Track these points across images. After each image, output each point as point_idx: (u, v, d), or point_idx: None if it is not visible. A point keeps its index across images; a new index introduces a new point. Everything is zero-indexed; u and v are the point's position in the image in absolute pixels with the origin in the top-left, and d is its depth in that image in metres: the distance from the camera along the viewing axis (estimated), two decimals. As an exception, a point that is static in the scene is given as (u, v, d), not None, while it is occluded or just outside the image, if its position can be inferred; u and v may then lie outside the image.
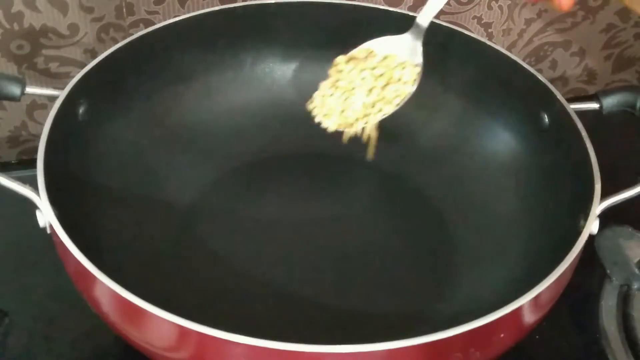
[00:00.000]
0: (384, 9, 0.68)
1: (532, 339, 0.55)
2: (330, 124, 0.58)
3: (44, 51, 0.69)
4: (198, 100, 0.68)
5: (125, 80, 0.63)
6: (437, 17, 0.74)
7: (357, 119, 0.58)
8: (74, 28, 0.68)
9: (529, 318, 0.48)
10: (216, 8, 0.67)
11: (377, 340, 0.45)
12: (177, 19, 0.65)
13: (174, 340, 0.45)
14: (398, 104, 0.58)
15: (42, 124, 0.54)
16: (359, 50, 0.59)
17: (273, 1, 0.67)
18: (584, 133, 0.56)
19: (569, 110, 0.58)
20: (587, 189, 0.52)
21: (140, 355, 0.49)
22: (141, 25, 0.70)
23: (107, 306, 0.48)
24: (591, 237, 0.51)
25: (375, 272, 0.60)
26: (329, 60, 0.70)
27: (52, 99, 0.56)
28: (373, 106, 0.58)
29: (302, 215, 0.64)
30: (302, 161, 0.68)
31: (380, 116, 0.58)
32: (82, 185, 0.57)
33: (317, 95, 0.59)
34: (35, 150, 0.52)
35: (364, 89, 0.58)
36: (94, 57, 0.62)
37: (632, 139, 0.77)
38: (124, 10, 0.68)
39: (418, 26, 0.58)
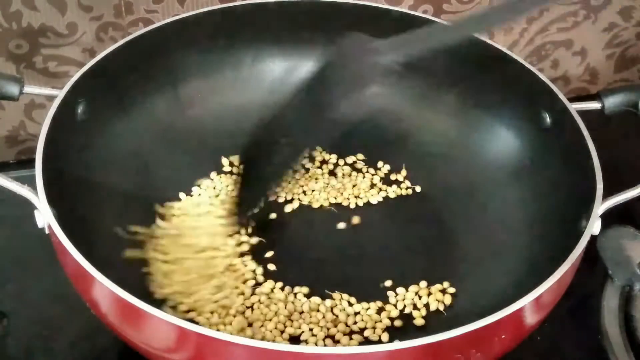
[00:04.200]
0: (384, 8, 0.68)
1: (533, 339, 0.54)
2: None
3: (42, 50, 0.68)
4: (197, 100, 0.68)
5: (124, 79, 0.62)
6: (437, 16, 0.75)
7: None
8: (72, 27, 0.68)
9: (531, 319, 0.48)
10: (216, 7, 0.67)
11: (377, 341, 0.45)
12: (176, 17, 0.65)
13: (173, 341, 0.45)
14: None
15: (40, 124, 0.54)
16: None
17: (273, 0, 0.67)
18: (585, 133, 0.56)
19: (571, 110, 0.58)
20: (589, 189, 0.52)
21: (139, 357, 0.49)
22: (140, 24, 0.69)
23: (106, 307, 0.48)
24: (593, 238, 0.50)
25: (375, 272, 0.60)
26: (329, 60, 0.70)
27: (51, 98, 0.56)
28: None
29: (302, 217, 0.63)
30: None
31: None
32: (81, 185, 0.57)
33: None
34: (33, 150, 0.52)
35: None
36: (92, 56, 0.62)
37: (634, 139, 0.77)
38: (123, 9, 0.68)
39: None
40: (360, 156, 0.68)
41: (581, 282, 0.52)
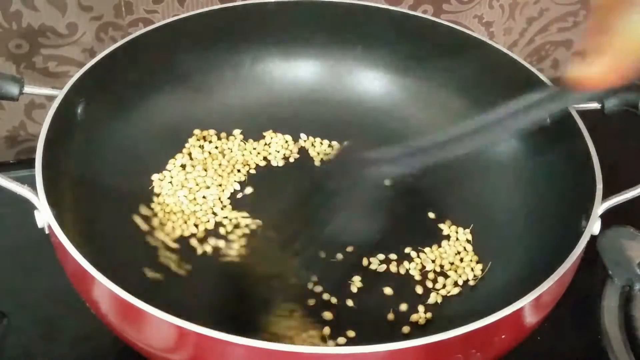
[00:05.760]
0: (384, 8, 0.68)
1: (533, 339, 0.54)
2: None
3: (42, 50, 0.69)
4: (197, 100, 0.68)
5: (124, 79, 0.62)
6: (437, 16, 0.75)
7: None
8: (72, 27, 0.68)
9: (531, 319, 0.48)
10: (215, 7, 0.67)
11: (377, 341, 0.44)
12: (176, 18, 0.65)
13: (173, 341, 0.45)
14: None
15: (40, 124, 0.54)
16: None
17: (273, 0, 0.67)
18: (585, 133, 0.56)
19: (571, 110, 0.58)
20: (588, 189, 0.52)
21: (139, 357, 0.49)
22: (140, 24, 0.70)
23: (106, 307, 0.48)
24: (593, 238, 0.50)
25: (376, 272, 0.60)
26: (328, 60, 0.70)
27: (51, 98, 0.56)
28: None
29: (301, 216, 0.63)
30: (301, 161, 0.68)
31: None
32: (81, 186, 0.57)
33: None
34: (33, 150, 0.52)
35: None
36: (92, 56, 0.62)
37: (634, 139, 0.77)
38: (123, 9, 0.68)
39: None
40: (360, 156, 0.68)
41: (581, 282, 0.52)
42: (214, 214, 0.62)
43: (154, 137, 0.65)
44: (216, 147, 0.67)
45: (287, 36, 0.69)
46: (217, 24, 0.66)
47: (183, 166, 0.65)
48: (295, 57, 0.70)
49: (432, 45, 0.67)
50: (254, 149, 0.67)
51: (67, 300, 0.55)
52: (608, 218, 0.51)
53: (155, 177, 0.64)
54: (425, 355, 0.43)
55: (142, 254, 0.59)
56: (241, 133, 0.68)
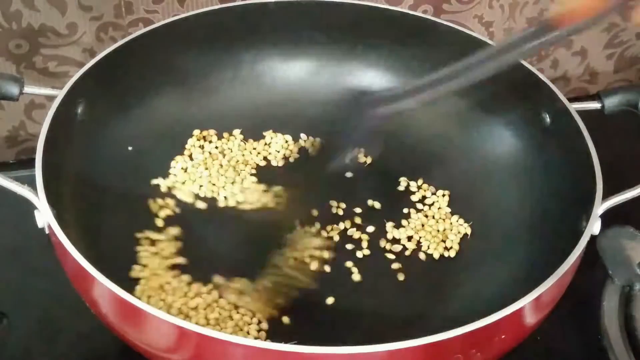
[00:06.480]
0: (384, 8, 0.68)
1: (533, 339, 0.54)
2: None
3: (42, 50, 0.68)
4: (197, 100, 0.68)
5: (124, 79, 0.62)
6: (437, 16, 0.75)
7: None
8: (72, 27, 0.68)
9: (530, 319, 0.48)
10: (215, 7, 0.67)
11: (377, 342, 0.45)
12: (176, 18, 0.65)
13: (173, 341, 0.45)
14: None
15: (40, 124, 0.54)
16: None
17: (273, 0, 0.67)
18: (585, 133, 0.56)
19: (571, 110, 0.58)
20: (589, 189, 0.52)
21: (139, 357, 0.49)
22: (140, 24, 0.69)
23: (105, 307, 0.48)
24: (593, 238, 0.51)
25: (376, 272, 0.60)
26: (328, 60, 0.70)
27: (51, 98, 0.56)
28: None
29: (303, 216, 0.63)
30: (302, 161, 0.68)
31: None
32: (81, 186, 0.57)
33: None
34: (33, 150, 0.52)
35: None
36: (92, 56, 0.62)
37: (634, 139, 0.77)
38: (123, 9, 0.68)
39: None
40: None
41: (581, 282, 0.52)
42: (214, 213, 0.62)
43: (154, 137, 0.65)
44: (216, 147, 0.67)
45: (287, 36, 0.69)
46: (217, 24, 0.66)
47: (184, 166, 0.65)
48: (295, 57, 0.70)
49: (432, 45, 0.67)
50: (254, 149, 0.67)
51: (67, 300, 0.55)
52: (608, 218, 0.51)
53: (155, 177, 0.64)
54: (425, 355, 0.43)
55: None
56: (241, 133, 0.68)
